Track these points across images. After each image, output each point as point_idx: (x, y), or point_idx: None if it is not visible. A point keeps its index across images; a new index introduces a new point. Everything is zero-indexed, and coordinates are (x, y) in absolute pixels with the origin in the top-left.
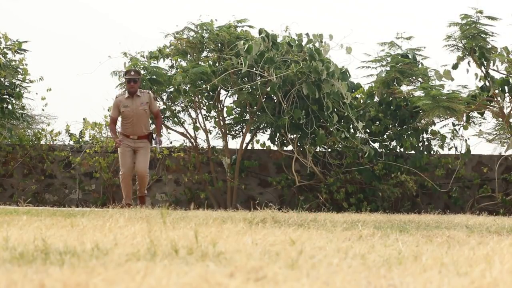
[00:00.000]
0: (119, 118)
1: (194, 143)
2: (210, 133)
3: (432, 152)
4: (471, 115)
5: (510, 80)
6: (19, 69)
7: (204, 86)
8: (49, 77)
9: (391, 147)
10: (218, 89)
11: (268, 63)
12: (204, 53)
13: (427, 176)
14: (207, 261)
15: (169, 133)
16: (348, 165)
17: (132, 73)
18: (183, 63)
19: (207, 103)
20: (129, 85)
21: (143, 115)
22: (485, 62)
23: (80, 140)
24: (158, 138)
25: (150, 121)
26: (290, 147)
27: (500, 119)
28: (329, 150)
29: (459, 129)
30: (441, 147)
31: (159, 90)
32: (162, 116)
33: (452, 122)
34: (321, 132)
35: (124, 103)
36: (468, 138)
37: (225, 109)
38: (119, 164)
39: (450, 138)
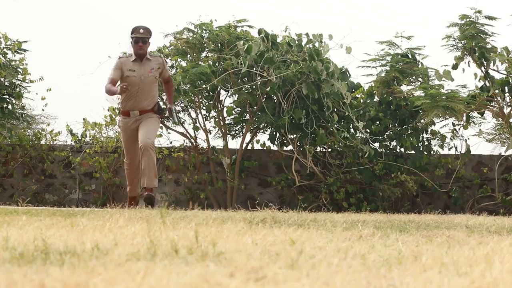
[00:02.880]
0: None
1: (194, 143)
2: (210, 133)
3: (432, 152)
4: (471, 115)
5: (510, 80)
6: (19, 69)
7: (204, 86)
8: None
9: (391, 147)
10: (218, 89)
11: (268, 63)
12: (204, 53)
13: (427, 176)
14: (207, 261)
15: (169, 133)
16: (348, 165)
17: (141, 30)
18: (183, 63)
19: (207, 103)
20: (136, 46)
21: (152, 84)
22: (485, 62)
23: (81, 139)
24: (171, 106)
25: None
26: (290, 147)
27: (500, 119)
28: (329, 150)
29: (459, 129)
30: (441, 147)
31: (159, 90)
32: (162, 117)
33: (452, 122)
34: (321, 132)
35: (129, 66)
36: (468, 138)
37: (225, 109)
38: (123, 150)
39: (450, 138)
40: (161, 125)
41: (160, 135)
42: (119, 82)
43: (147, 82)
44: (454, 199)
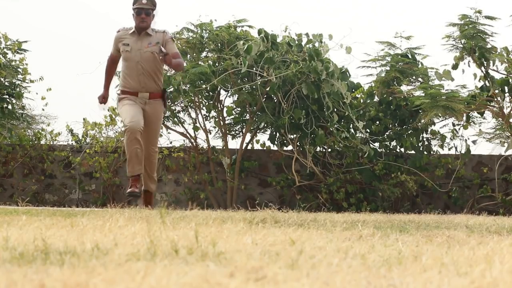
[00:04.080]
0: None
1: (194, 143)
2: (210, 133)
3: (432, 152)
4: (471, 115)
5: (510, 80)
6: (19, 69)
7: (204, 86)
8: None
9: (391, 147)
10: (218, 89)
11: (268, 63)
12: (204, 53)
13: (427, 176)
14: (207, 261)
15: (169, 133)
16: (348, 165)
17: (144, 1)
18: (184, 63)
19: (207, 103)
20: (138, 18)
21: (152, 62)
22: (485, 62)
23: (82, 139)
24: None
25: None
26: (290, 147)
27: (500, 119)
28: (329, 150)
29: (459, 129)
30: (441, 147)
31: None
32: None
33: (452, 122)
34: (321, 132)
35: (125, 40)
36: (468, 138)
37: (225, 109)
38: (123, 119)
39: (450, 138)
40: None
41: (160, 135)
42: (122, 68)
43: (145, 58)
44: (454, 199)
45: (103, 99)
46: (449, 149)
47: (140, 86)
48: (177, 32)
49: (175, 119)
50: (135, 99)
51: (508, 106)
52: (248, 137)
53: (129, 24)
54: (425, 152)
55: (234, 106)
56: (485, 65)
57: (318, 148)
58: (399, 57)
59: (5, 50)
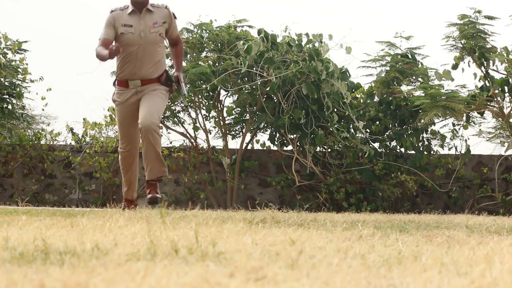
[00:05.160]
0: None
1: (194, 143)
2: (210, 133)
3: (432, 152)
4: (471, 115)
5: (510, 80)
6: (19, 69)
7: (204, 86)
8: (49, 77)
9: (391, 147)
10: (218, 89)
11: (268, 63)
12: (204, 53)
13: (427, 176)
14: (207, 261)
15: (169, 133)
16: (348, 165)
17: None
18: (183, 63)
19: (207, 103)
20: None
21: (156, 44)
22: (484, 62)
23: (82, 139)
24: (179, 74)
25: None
26: (290, 147)
27: (500, 119)
28: (329, 150)
29: (459, 129)
30: (441, 146)
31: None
32: (162, 117)
33: (452, 122)
34: (320, 132)
35: (124, 20)
36: (468, 138)
37: (225, 109)
38: (118, 136)
39: (450, 138)
40: (161, 124)
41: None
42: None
43: (149, 40)
44: (454, 199)
45: (114, 51)
46: (449, 149)
47: (133, 73)
48: None
49: (175, 119)
50: (127, 97)
51: (508, 106)
52: (248, 137)
53: (123, 3)
54: (425, 152)
55: (234, 106)
56: (485, 65)
57: (318, 148)
58: (399, 57)
59: (5, 50)
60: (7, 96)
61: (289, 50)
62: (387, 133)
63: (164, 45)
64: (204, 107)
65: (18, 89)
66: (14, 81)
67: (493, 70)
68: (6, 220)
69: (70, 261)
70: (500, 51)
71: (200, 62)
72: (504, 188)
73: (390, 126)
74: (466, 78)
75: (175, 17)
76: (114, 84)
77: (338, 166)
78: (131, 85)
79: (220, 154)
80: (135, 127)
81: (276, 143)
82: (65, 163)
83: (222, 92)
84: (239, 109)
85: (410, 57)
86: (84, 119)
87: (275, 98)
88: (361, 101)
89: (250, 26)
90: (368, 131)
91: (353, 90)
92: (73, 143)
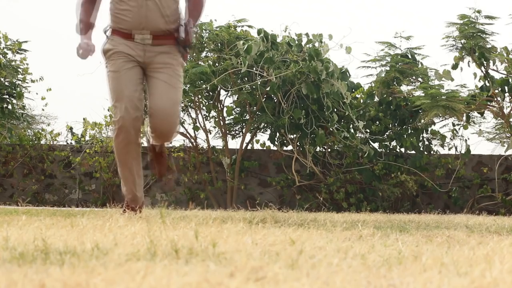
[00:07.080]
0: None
1: (194, 143)
2: (210, 133)
3: (432, 152)
4: (471, 115)
5: (510, 80)
6: (19, 69)
7: (204, 86)
8: (49, 77)
9: (391, 147)
10: (218, 89)
11: (268, 63)
12: (204, 53)
13: (427, 176)
14: (207, 261)
15: None
16: (348, 165)
17: None
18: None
19: (207, 103)
20: None
21: None
22: (484, 62)
23: (81, 139)
24: (189, 22)
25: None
26: (290, 147)
27: (500, 119)
28: (329, 150)
29: (459, 129)
30: (441, 146)
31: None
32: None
33: (452, 122)
34: (320, 132)
35: None
36: (468, 138)
37: (225, 109)
38: (111, 100)
39: (450, 138)
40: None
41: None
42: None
43: None
44: (454, 199)
45: (85, 50)
46: (449, 149)
47: (139, 22)
48: None
49: None
50: (129, 47)
51: (508, 106)
52: (248, 137)
53: None
54: (425, 152)
55: (234, 106)
56: (485, 65)
57: (318, 148)
58: (399, 57)
59: (5, 50)
60: (7, 96)
61: (289, 50)
62: (387, 133)
63: None
64: (204, 107)
65: (18, 89)
66: (14, 81)
67: (493, 70)
68: (6, 220)
69: (70, 261)
70: (500, 51)
71: (200, 62)
72: (504, 188)
73: (390, 126)
74: (466, 78)
75: None
76: (105, 32)
77: (338, 166)
78: (138, 39)
79: (220, 154)
80: (135, 87)
81: (276, 143)
82: (65, 163)
83: (222, 92)
84: (239, 109)
85: (410, 57)
86: (84, 119)
87: (275, 98)
88: (361, 101)
89: (250, 26)
90: (368, 131)
91: (353, 90)
92: (73, 143)
